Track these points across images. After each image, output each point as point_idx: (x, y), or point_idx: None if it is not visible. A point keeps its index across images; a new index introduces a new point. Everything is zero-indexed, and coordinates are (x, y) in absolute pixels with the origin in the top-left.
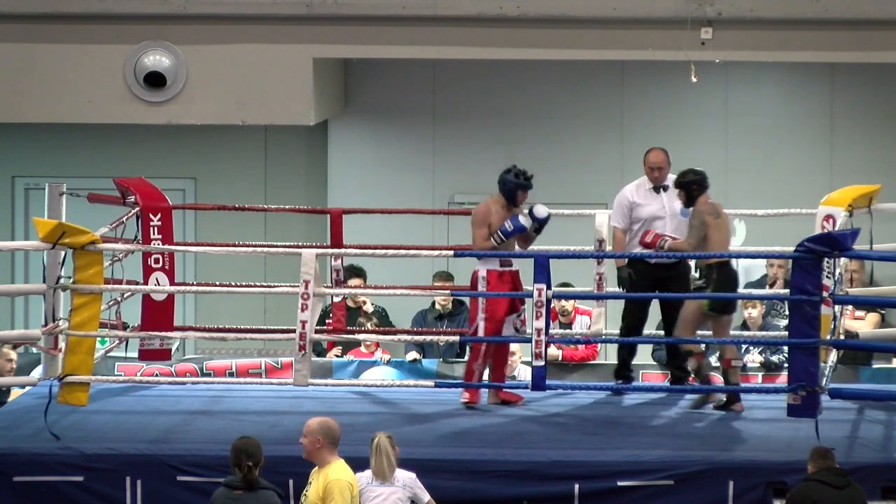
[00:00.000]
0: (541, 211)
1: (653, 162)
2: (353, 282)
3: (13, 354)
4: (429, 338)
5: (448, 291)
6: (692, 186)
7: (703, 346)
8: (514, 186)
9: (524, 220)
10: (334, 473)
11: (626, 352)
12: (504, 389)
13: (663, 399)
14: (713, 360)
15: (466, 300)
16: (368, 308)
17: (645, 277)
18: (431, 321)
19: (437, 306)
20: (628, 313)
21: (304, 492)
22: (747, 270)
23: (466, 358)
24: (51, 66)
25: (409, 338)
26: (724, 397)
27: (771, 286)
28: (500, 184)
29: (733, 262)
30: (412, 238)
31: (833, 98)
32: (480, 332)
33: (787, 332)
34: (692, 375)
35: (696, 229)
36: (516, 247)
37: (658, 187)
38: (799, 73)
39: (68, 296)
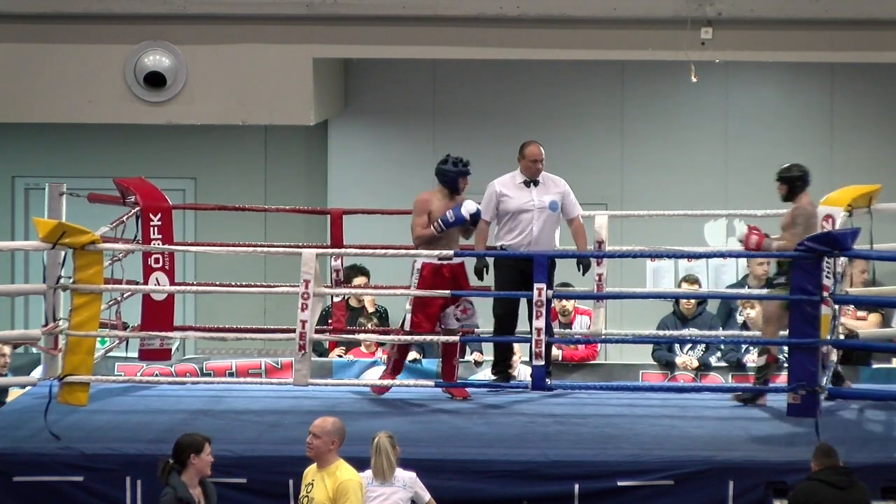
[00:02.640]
0: (470, 207)
1: (535, 155)
2: (358, 280)
3: (6, 349)
4: (441, 338)
5: (448, 292)
6: (796, 182)
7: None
8: (455, 175)
9: (464, 211)
10: (345, 473)
11: (505, 347)
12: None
13: (663, 399)
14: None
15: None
16: (368, 301)
17: (513, 269)
18: None
19: None
20: (500, 303)
21: (306, 493)
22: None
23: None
24: (51, 66)
25: (408, 338)
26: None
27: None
28: (438, 174)
29: None
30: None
31: (833, 98)
32: (407, 325)
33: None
34: (754, 373)
35: (803, 227)
36: (461, 239)
37: (530, 181)
38: (799, 73)
39: (68, 296)
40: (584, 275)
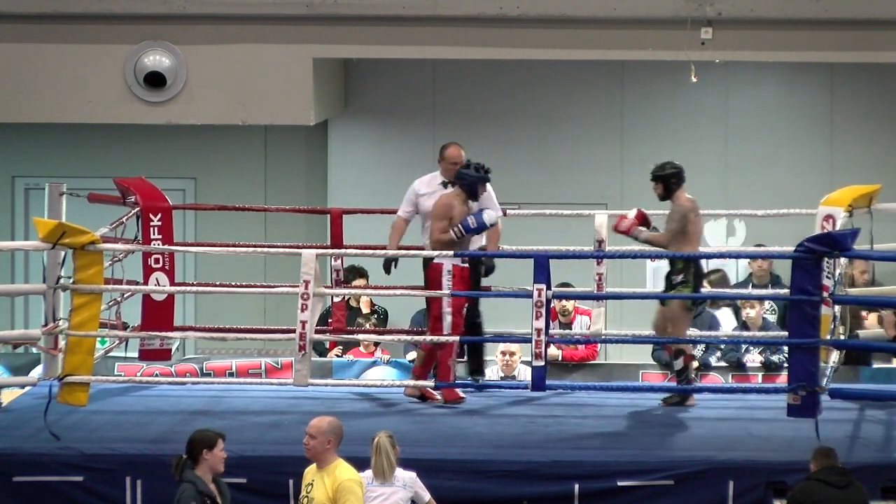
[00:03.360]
0: (491, 215)
1: (455, 157)
2: (358, 282)
3: None
4: (441, 338)
5: (448, 292)
6: (671, 179)
7: (692, 346)
8: (475, 180)
9: (487, 218)
10: (344, 473)
11: (474, 348)
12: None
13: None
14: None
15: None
16: (364, 302)
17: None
18: None
19: None
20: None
21: (306, 493)
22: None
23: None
24: (51, 66)
25: (408, 338)
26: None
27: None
28: (458, 178)
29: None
30: (412, 238)
31: (833, 98)
32: (447, 327)
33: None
34: (674, 374)
35: (677, 223)
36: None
37: (448, 182)
38: (799, 73)
39: (68, 296)
40: (486, 277)
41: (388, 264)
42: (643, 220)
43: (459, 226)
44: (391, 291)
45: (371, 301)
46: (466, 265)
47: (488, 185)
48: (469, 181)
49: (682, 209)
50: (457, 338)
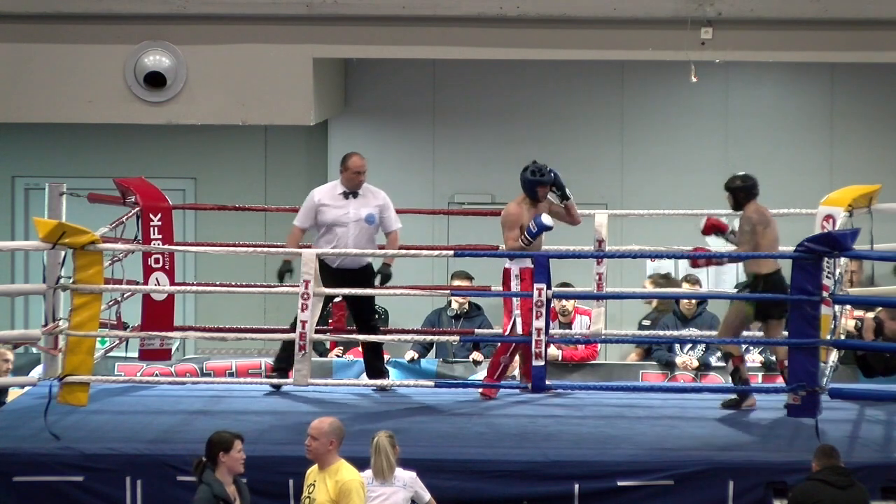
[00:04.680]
0: (548, 218)
1: (359, 166)
2: None
3: (10, 355)
4: (442, 338)
5: (448, 292)
6: (738, 193)
7: (742, 348)
8: (532, 183)
9: (546, 220)
10: (347, 474)
11: (373, 351)
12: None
13: (663, 399)
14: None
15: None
16: None
17: (328, 276)
18: (447, 321)
19: (454, 306)
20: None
21: (308, 493)
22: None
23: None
24: (51, 66)
25: (408, 338)
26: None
27: None
28: (521, 183)
29: (782, 270)
30: (412, 238)
31: (833, 98)
32: (518, 328)
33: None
34: (730, 377)
35: (748, 236)
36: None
37: (349, 192)
38: (799, 73)
39: (68, 296)
40: (382, 285)
41: (282, 275)
42: (717, 227)
43: (525, 234)
44: (391, 291)
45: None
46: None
47: (386, 197)
48: (527, 185)
49: (749, 221)
50: (513, 338)
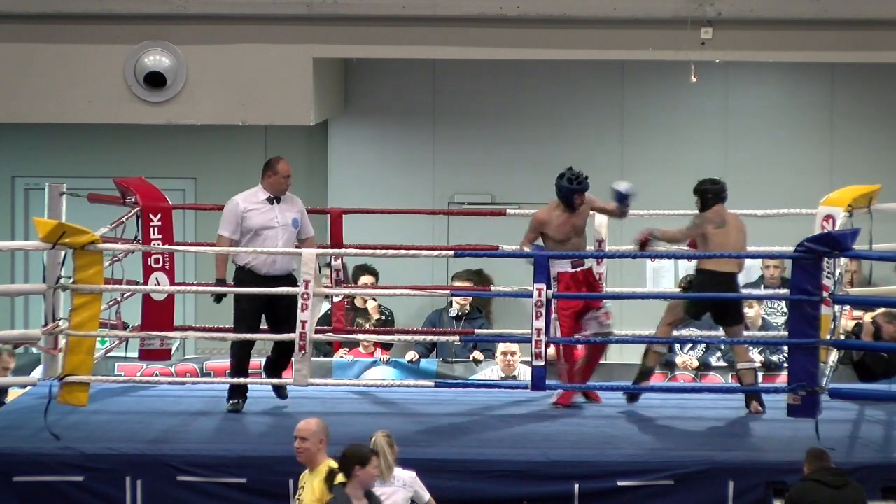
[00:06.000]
0: (622, 183)
1: (288, 171)
2: (364, 279)
3: (11, 363)
4: (442, 338)
5: (448, 292)
6: (707, 195)
7: (664, 348)
8: (569, 191)
9: (622, 188)
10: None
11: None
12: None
13: (663, 399)
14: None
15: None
16: (373, 308)
17: (258, 284)
18: (447, 321)
19: (456, 306)
20: (241, 318)
21: (297, 496)
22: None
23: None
24: (51, 66)
25: (408, 338)
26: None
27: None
28: (556, 190)
29: (735, 277)
30: (412, 238)
31: (833, 98)
32: (557, 331)
33: (786, 332)
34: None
35: (692, 227)
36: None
37: (274, 198)
38: (799, 73)
39: (68, 296)
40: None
41: (221, 298)
42: (643, 242)
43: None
44: (391, 291)
45: (379, 307)
46: (579, 269)
47: (300, 202)
48: (563, 192)
49: (702, 217)
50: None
